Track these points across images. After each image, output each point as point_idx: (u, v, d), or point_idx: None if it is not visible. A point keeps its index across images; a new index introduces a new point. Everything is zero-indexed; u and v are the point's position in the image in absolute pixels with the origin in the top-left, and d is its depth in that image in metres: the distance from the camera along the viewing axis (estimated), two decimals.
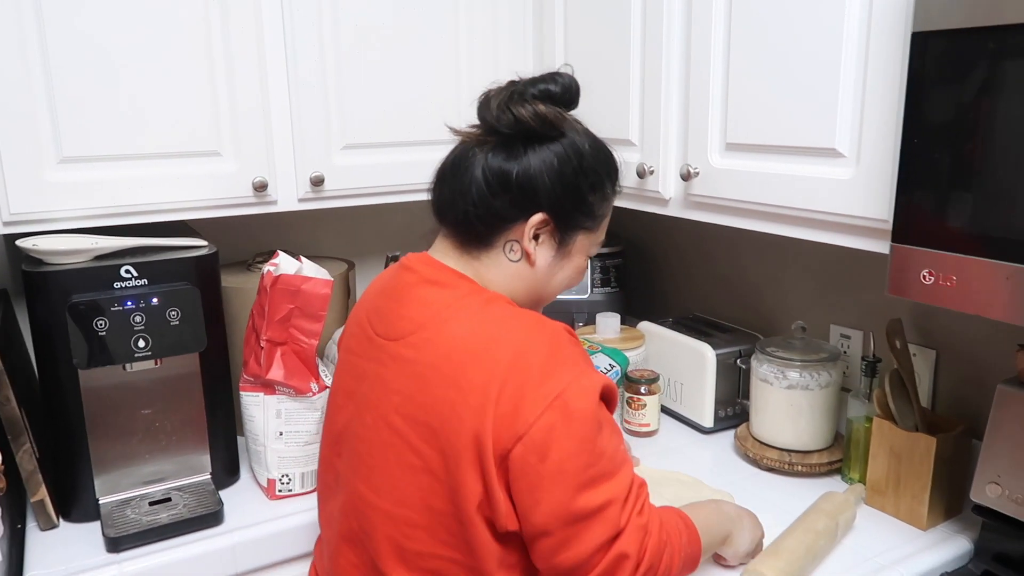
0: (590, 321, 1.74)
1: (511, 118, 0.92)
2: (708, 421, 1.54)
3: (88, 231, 1.25)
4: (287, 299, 1.26)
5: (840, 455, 1.37)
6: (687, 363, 1.56)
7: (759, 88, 1.12)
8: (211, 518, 1.23)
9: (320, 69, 1.42)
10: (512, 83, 0.96)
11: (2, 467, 1.08)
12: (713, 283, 1.78)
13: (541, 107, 0.92)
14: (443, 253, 0.98)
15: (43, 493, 1.21)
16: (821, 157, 1.05)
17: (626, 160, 1.35)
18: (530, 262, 0.95)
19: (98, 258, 1.23)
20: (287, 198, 1.45)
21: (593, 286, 1.80)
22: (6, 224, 1.23)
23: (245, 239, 1.75)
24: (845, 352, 1.47)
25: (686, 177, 1.24)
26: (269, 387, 1.29)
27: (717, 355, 1.51)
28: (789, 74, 1.07)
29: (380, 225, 1.91)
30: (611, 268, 1.82)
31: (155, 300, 1.18)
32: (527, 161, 0.92)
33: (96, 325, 1.14)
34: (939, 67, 0.82)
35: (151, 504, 1.25)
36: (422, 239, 1.91)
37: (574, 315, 1.79)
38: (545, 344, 0.85)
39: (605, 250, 1.81)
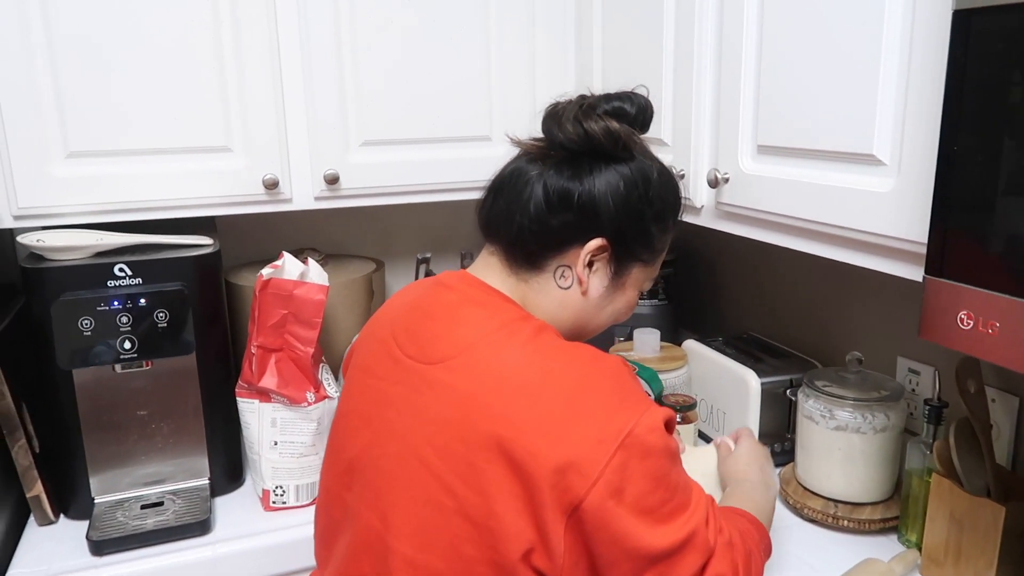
0: (631, 336, 1.60)
1: (581, 133, 0.84)
2: None
3: (98, 227, 1.24)
4: (279, 304, 1.20)
5: (898, 511, 1.17)
6: (730, 390, 1.39)
7: (792, 79, 0.95)
8: (197, 527, 1.19)
9: (337, 62, 1.36)
10: (583, 97, 0.89)
11: None
12: (772, 301, 1.59)
13: (614, 124, 0.84)
14: (487, 273, 0.89)
15: (39, 489, 1.21)
16: (858, 164, 0.87)
17: None
18: (582, 290, 0.87)
19: (99, 255, 1.21)
20: (303, 196, 1.39)
21: (639, 297, 1.64)
22: (15, 218, 1.23)
23: (275, 236, 1.72)
24: (913, 391, 1.26)
25: (714, 183, 1.09)
26: (264, 394, 1.24)
27: (763, 384, 1.33)
28: (824, 62, 0.90)
29: (413, 225, 1.84)
30: (660, 278, 1.66)
31: (143, 301, 1.15)
32: (592, 181, 0.84)
33: (81, 324, 1.12)
34: (985, 54, 0.64)
35: (143, 507, 1.23)
36: (457, 240, 1.81)
37: (615, 328, 1.65)
38: (607, 379, 0.77)
39: None
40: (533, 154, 0.88)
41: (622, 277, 0.89)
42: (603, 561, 0.75)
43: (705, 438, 1.48)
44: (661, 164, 0.90)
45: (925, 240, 0.73)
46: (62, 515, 1.26)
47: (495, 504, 0.74)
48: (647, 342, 1.48)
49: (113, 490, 1.26)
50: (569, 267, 0.86)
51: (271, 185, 1.33)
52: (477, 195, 1.51)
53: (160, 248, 1.24)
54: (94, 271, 1.17)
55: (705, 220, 1.18)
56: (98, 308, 1.13)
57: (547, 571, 0.74)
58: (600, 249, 0.85)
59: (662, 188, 0.88)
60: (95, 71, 1.22)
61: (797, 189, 0.96)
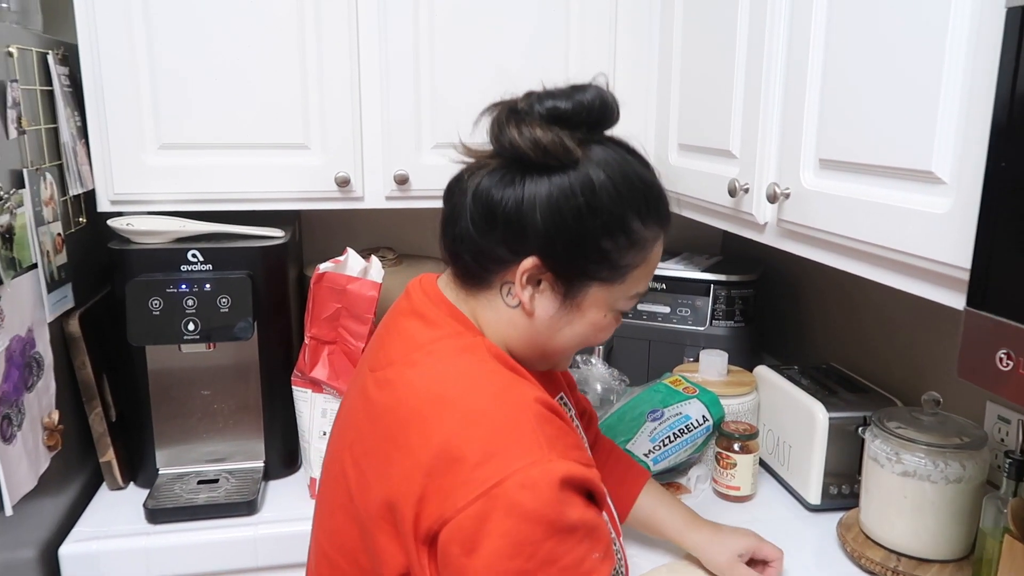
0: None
1: (506, 142, 0.76)
2: (814, 496, 1.26)
3: (184, 215, 1.32)
4: (333, 298, 1.23)
5: (970, 574, 1.05)
6: (797, 422, 1.30)
7: (854, 86, 0.88)
8: (244, 507, 1.24)
9: (414, 64, 1.38)
10: (527, 95, 0.79)
11: (60, 427, 1.16)
12: (857, 330, 1.47)
13: (539, 132, 0.75)
14: (447, 283, 0.86)
15: (110, 455, 1.30)
16: (916, 182, 0.79)
17: (721, 174, 1.17)
18: (526, 311, 0.80)
19: (179, 241, 1.29)
20: (374, 195, 1.43)
21: (713, 318, 1.58)
22: (112, 203, 1.34)
23: (356, 233, 1.77)
24: (1002, 441, 1.12)
25: (773, 198, 1.02)
26: (317, 384, 1.27)
27: (832, 418, 1.23)
28: (885, 69, 0.82)
29: None
30: (738, 299, 1.58)
31: (208, 286, 1.21)
32: (519, 192, 0.75)
33: (151, 304, 1.20)
34: None
35: (199, 482, 1.29)
36: None
37: (686, 348, 1.58)
38: (502, 416, 0.71)
39: (735, 278, 1.58)
40: (477, 161, 0.80)
41: (576, 298, 0.79)
42: None
43: (769, 470, 1.39)
44: (625, 167, 0.78)
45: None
46: (132, 483, 1.34)
47: (374, 525, 0.73)
48: (713, 364, 1.41)
49: (177, 463, 1.33)
50: (513, 284, 0.79)
51: (343, 183, 1.38)
52: None
53: (234, 238, 1.31)
54: (170, 255, 1.24)
55: (768, 238, 1.11)
56: (167, 290, 1.20)
57: None
58: (536, 268, 0.77)
59: (613, 197, 0.76)
60: (189, 70, 1.30)
61: (854, 207, 0.88)
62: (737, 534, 1.07)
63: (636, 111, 1.48)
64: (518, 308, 0.80)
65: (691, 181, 1.31)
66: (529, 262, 0.77)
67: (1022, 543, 0.91)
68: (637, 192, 0.79)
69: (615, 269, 0.79)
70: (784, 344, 1.74)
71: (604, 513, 0.81)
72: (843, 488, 1.26)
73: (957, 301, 0.75)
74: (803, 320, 1.67)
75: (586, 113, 0.77)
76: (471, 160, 0.82)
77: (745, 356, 1.57)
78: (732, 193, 1.12)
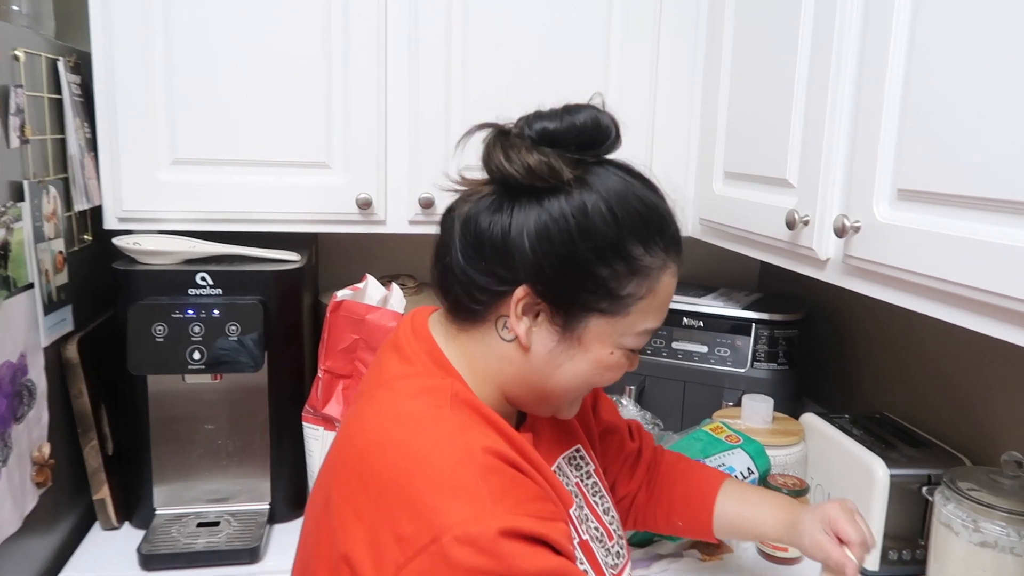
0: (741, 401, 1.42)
1: (494, 167, 0.72)
2: (873, 563, 1.15)
3: (196, 236, 1.24)
4: (351, 328, 1.14)
5: None
6: (853, 478, 1.18)
7: (943, 111, 0.78)
8: (246, 554, 1.14)
9: (444, 85, 1.31)
10: (520, 118, 0.75)
11: (51, 462, 1.07)
12: (915, 378, 1.36)
13: (527, 155, 0.70)
14: (437, 319, 0.80)
15: (104, 492, 1.21)
16: (1017, 215, 0.69)
17: (776, 205, 1.07)
18: (522, 346, 0.73)
19: (188, 262, 1.20)
20: (397, 219, 1.35)
21: (755, 359, 1.47)
22: (120, 220, 1.26)
23: (376, 259, 1.68)
24: None
25: (840, 233, 0.92)
26: (330, 422, 1.18)
27: (892, 476, 1.12)
28: (980, 90, 0.73)
29: None
30: (781, 340, 1.47)
31: (216, 312, 1.12)
32: (507, 219, 0.71)
33: (155, 330, 1.11)
34: None
35: (199, 525, 1.20)
36: None
37: (725, 391, 1.47)
38: (444, 466, 0.64)
39: (779, 317, 1.48)
40: (469, 189, 0.76)
41: (575, 331, 0.73)
42: None
43: None
44: (624, 190, 0.73)
45: None
46: (127, 522, 1.24)
47: (319, 567, 0.69)
48: (757, 411, 1.30)
49: (176, 503, 1.23)
50: (508, 318, 0.73)
51: (364, 205, 1.29)
52: None
53: (246, 260, 1.22)
54: (177, 278, 1.16)
55: (831, 276, 1.01)
56: (173, 315, 1.11)
57: None
58: (530, 298, 0.71)
59: (608, 221, 0.71)
60: (206, 81, 1.23)
61: (940, 243, 0.78)
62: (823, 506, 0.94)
63: (678, 135, 1.40)
64: (514, 342, 0.74)
65: (738, 212, 1.22)
66: (521, 291, 0.72)
67: None
68: (636, 215, 0.73)
69: (615, 300, 0.73)
70: (829, 390, 1.63)
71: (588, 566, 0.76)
72: (904, 554, 1.14)
73: None
74: (850, 365, 1.56)
75: (577, 134, 0.73)
76: (465, 189, 0.77)
77: (788, 402, 1.47)
78: (791, 226, 1.02)
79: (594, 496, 0.88)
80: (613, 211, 0.71)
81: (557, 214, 0.70)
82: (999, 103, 0.71)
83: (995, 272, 0.71)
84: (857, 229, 0.91)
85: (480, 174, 0.76)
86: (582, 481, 0.87)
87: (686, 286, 1.66)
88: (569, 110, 0.73)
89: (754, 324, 1.48)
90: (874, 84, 0.89)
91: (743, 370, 1.48)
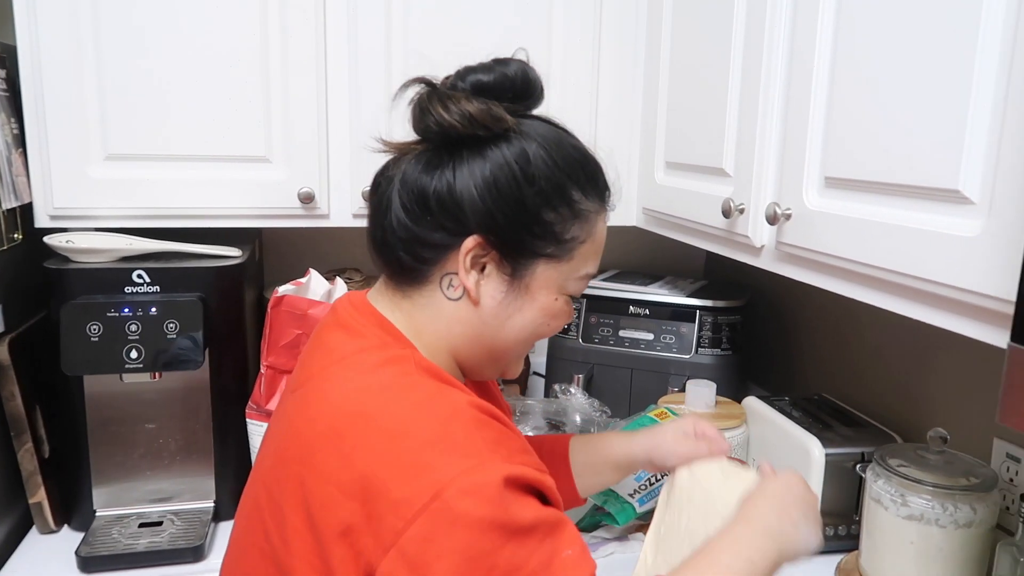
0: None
1: (432, 121, 0.72)
2: None
3: (133, 233, 1.21)
4: (293, 323, 1.13)
5: None
6: (791, 458, 1.22)
7: (868, 99, 0.81)
8: (190, 553, 1.12)
9: (385, 77, 1.30)
10: (449, 75, 0.77)
11: None
12: (852, 361, 1.40)
13: (466, 104, 0.71)
14: (377, 292, 0.79)
15: (41, 496, 1.18)
16: (940, 202, 0.72)
17: (714, 194, 1.09)
18: (472, 300, 0.74)
19: (125, 260, 1.18)
20: (340, 213, 1.33)
21: (700, 345, 1.50)
22: (51, 218, 1.22)
23: (322, 254, 1.67)
24: (1011, 481, 1.05)
25: (772, 220, 0.94)
26: None
27: (828, 455, 1.15)
28: (906, 79, 0.75)
29: None
30: (725, 326, 1.50)
31: (154, 310, 1.10)
32: (449, 173, 0.72)
33: (89, 330, 1.08)
34: None
35: (141, 525, 1.17)
36: None
37: (670, 376, 1.50)
38: (433, 425, 0.64)
39: (722, 304, 1.51)
40: (400, 152, 0.77)
41: (523, 279, 0.74)
42: None
43: None
44: (559, 137, 0.75)
45: (1014, 297, 0.57)
46: (65, 525, 1.21)
47: (293, 559, 0.65)
48: (700, 396, 1.33)
49: (117, 504, 1.21)
50: (455, 274, 0.73)
51: (306, 199, 1.28)
52: None
53: (186, 257, 1.20)
54: (113, 276, 1.13)
55: (765, 263, 1.03)
56: (108, 314, 1.09)
57: None
58: (480, 248, 0.72)
59: (550, 165, 0.73)
60: (139, 74, 1.20)
61: (867, 229, 0.81)
62: (673, 422, 1.01)
63: (621, 126, 1.41)
64: (462, 299, 0.74)
65: (679, 201, 1.24)
66: (471, 242, 0.72)
67: None
68: (573, 161, 0.76)
69: (561, 244, 0.75)
70: (772, 374, 1.67)
71: None
72: (839, 529, 1.18)
73: (989, 334, 0.68)
74: (792, 349, 1.60)
75: (510, 85, 0.75)
76: (393, 153, 0.78)
77: (732, 386, 1.50)
78: (727, 214, 1.05)
79: None
80: (552, 156, 0.73)
81: (502, 161, 0.71)
82: (926, 91, 0.74)
83: (922, 258, 0.74)
84: (788, 216, 0.94)
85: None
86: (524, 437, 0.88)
87: (632, 275, 1.68)
88: (499, 62, 0.75)
89: (698, 311, 1.51)
90: (803, 76, 0.91)
91: (688, 356, 1.50)
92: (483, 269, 0.73)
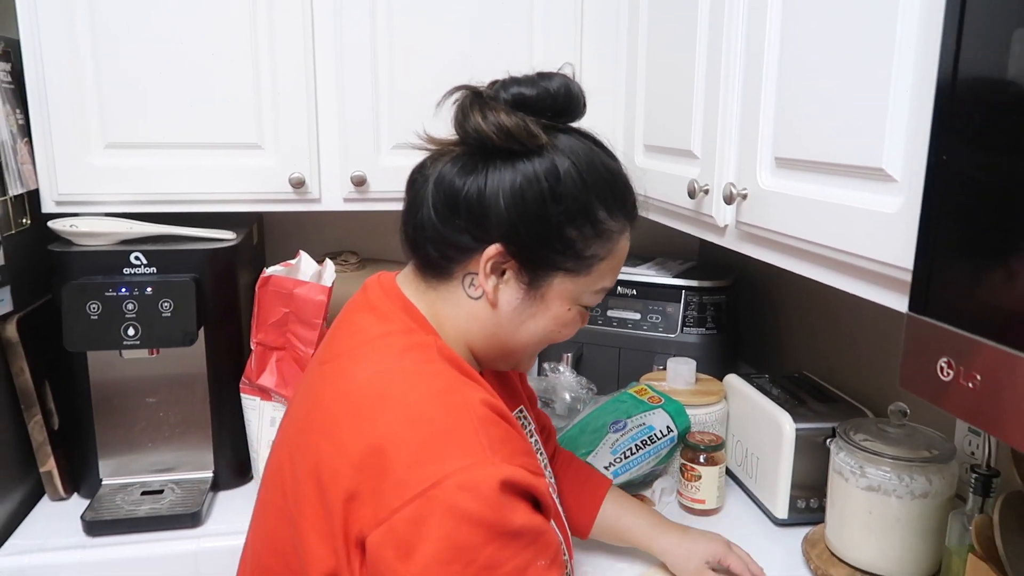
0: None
1: (471, 128, 0.75)
2: (781, 511, 1.21)
3: (134, 218, 1.28)
4: (280, 302, 1.19)
5: None
6: (765, 433, 1.25)
7: (809, 80, 0.83)
8: (188, 519, 1.19)
9: (371, 62, 1.34)
10: (493, 82, 0.80)
11: None
12: (831, 339, 1.42)
13: (504, 117, 0.74)
14: (406, 278, 0.84)
15: (51, 465, 1.25)
16: (868, 180, 0.75)
17: (683, 175, 1.12)
18: (489, 302, 0.78)
19: (125, 243, 1.24)
20: (331, 197, 1.39)
21: (685, 325, 1.53)
22: (56, 204, 1.29)
23: (319, 237, 1.72)
24: (972, 454, 1.08)
25: (729, 200, 0.97)
26: (266, 392, 1.23)
27: (799, 430, 1.18)
28: (837, 61, 0.78)
29: None
30: (710, 306, 1.53)
31: (149, 290, 1.17)
32: (482, 180, 0.75)
33: (89, 308, 1.15)
34: (985, 34, 0.51)
35: (143, 493, 1.24)
36: None
37: (656, 355, 1.53)
38: (442, 417, 0.68)
39: (707, 284, 1.54)
40: (440, 149, 0.80)
41: (539, 289, 0.78)
42: None
43: (737, 481, 1.34)
44: (591, 156, 0.77)
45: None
46: (75, 493, 1.29)
47: (305, 522, 0.70)
48: (680, 373, 1.36)
49: (122, 473, 1.28)
50: (477, 275, 0.77)
51: (297, 184, 1.33)
52: None
53: (182, 240, 1.26)
54: (112, 258, 1.20)
55: (729, 242, 1.06)
56: (106, 293, 1.15)
57: None
58: (499, 256, 0.75)
59: (578, 185, 0.75)
60: (134, 65, 1.26)
61: (808, 208, 0.83)
62: (705, 538, 1.04)
63: (604, 110, 1.44)
64: (481, 299, 0.78)
65: (656, 183, 1.27)
66: (493, 249, 0.75)
67: (985, 562, 0.86)
68: (603, 182, 0.78)
69: (580, 260, 0.78)
70: (761, 353, 1.69)
71: (554, 524, 0.78)
72: (811, 502, 1.21)
73: (904, 305, 0.70)
74: (780, 328, 1.62)
75: (551, 101, 0.77)
76: (434, 149, 0.81)
77: (718, 364, 1.53)
78: (692, 195, 1.08)
79: (537, 453, 0.94)
80: (582, 176, 0.75)
81: (532, 176, 0.74)
82: (854, 73, 0.76)
83: (852, 233, 0.76)
84: (744, 196, 0.97)
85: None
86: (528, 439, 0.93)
87: None
88: (543, 77, 0.77)
89: (683, 291, 1.54)
90: (756, 63, 0.94)
91: (673, 335, 1.53)
92: (503, 274, 0.77)
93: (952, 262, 0.55)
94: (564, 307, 0.79)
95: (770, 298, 1.64)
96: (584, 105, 0.80)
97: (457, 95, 0.78)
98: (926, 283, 0.57)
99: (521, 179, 0.74)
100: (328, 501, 0.68)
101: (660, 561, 1.05)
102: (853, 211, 0.76)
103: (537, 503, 0.70)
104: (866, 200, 0.74)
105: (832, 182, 0.81)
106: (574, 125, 0.81)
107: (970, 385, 0.52)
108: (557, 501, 0.91)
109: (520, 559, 0.64)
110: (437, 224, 0.77)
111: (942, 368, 0.54)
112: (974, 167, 0.52)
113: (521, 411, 0.97)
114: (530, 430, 0.97)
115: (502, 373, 0.95)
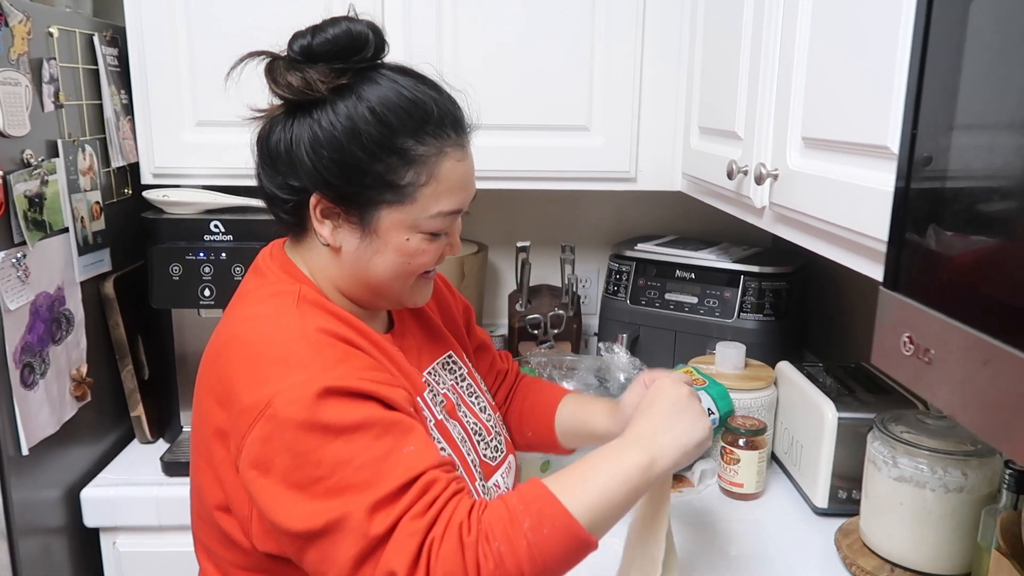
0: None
1: (273, 90, 0.80)
2: (821, 500, 1.20)
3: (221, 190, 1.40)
4: None
5: None
6: (809, 421, 1.23)
7: (831, 59, 0.82)
8: None
9: (436, 40, 1.40)
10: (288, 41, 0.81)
11: (89, 380, 1.26)
12: None
13: (288, 74, 0.77)
14: (288, 240, 0.90)
15: (140, 411, 1.40)
16: (875, 158, 0.74)
17: (724, 156, 1.13)
18: (332, 248, 0.82)
19: (208, 212, 1.36)
20: None
21: (742, 310, 1.51)
22: (155, 176, 1.43)
23: None
24: None
25: (759, 180, 0.97)
26: None
27: (841, 419, 1.16)
28: (849, 39, 0.77)
29: (519, 212, 1.82)
30: (769, 292, 1.51)
31: (224, 255, 1.28)
32: (288, 135, 0.79)
33: (172, 270, 1.28)
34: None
35: None
36: (560, 231, 1.77)
37: (711, 340, 1.52)
38: (277, 346, 0.75)
39: (768, 270, 1.51)
40: (268, 113, 0.83)
41: (371, 225, 0.79)
42: (266, 526, 0.74)
43: (783, 468, 1.33)
44: (384, 91, 0.77)
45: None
46: (160, 438, 1.44)
47: (197, 459, 0.81)
48: (728, 356, 1.36)
49: None
50: None
51: None
52: (573, 185, 1.47)
53: (259, 211, 1.37)
54: (195, 225, 1.32)
55: (766, 223, 1.06)
56: (187, 257, 1.28)
57: (235, 529, 0.77)
58: (324, 204, 0.78)
59: (368, 121, 0.76)
60: (221, 51, 1.36)
61: (828, 187, 0.83)
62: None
63: (667, 97, 1.44)
64: (328, 246, 0.82)
65: (706, 165, 1.27)
66: (314, 199, 0.79)
67: (1009, 560, 0.83)
68: (399, 111, 0.77)
69: (397, 190, 0.78)
70: (826, 342, 1.65)
71: (463, 437, 0.87)
72: (853, 493, 1.19)
73: None
74: (845, 317, 1.58)
75: (333, 46, 0.77)
76: (264, 119, 0.84)
77: (777, 351, 1.50)
78: (731, 175, 1.08)
79: (470, 396, 0.97)
80: (375, 111, 0.76)
81: (326, 123, 0.76)
82: (864, 51, 0.75)
83: (859, 212, 0.76)
84: (776, 177, 0.96)
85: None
86: (457, 383, 0.96)
87: (687, 240, 1.71)
88: (322, 25, 0.78)
89: (742, 276, 1.52)
90: (790, 40, 0.93)
91: (730, 320, 1.52)
92: (337, 218, 0.80)
93: (914, 235, 0.54)
94: (403, 237, 0.80)
95: (836, 287, 1.60)
96: (375, 42, 0.79)
97: (256, 60, 0.81)
98: (896, 259, 0.57)
99: (316, 127, 0.77)
100: (205, 437, 0.78)
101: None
102: (861, 189, 0.75)
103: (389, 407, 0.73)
104: (872, 178, 0.74)
105: (846, 160, 0.80)
106: (385, 60, 0.81)
107: (925, 361, 0.52)
108: (472, 430, 0.93)
109: (375, 450, 0.69)
110: (266, 183, 0.82)
111: (904, 343, 0.54)
112: (936, 140, 0.52)
113: (450, 356, 0.98)
114: (460, 374, 0.98)
115: (424, 322, 0.97)
